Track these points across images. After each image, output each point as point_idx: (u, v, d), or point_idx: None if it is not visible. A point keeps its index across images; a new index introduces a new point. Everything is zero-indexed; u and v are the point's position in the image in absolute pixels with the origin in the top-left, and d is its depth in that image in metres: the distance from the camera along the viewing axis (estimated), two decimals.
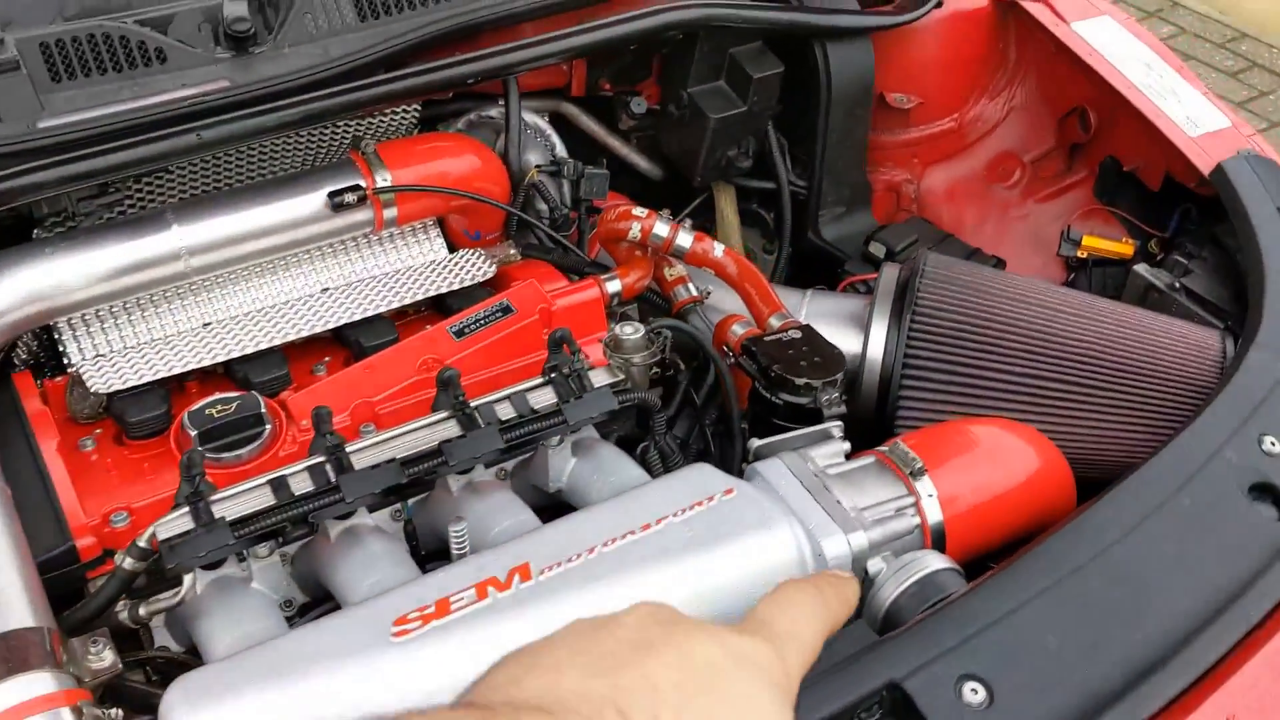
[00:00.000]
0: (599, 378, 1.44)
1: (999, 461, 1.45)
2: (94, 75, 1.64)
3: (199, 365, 1.53)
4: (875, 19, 2.03)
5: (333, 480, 1.28)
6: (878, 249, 2.04)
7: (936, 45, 2.14)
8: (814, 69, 2.01)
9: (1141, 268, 1.85)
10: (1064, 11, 2.08)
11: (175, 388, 1.57)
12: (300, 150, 1.82)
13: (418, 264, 1.76)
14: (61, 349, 1.58)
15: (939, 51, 2.15)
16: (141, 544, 1.24)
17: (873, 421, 1.66)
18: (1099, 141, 2.08)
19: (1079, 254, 2.05)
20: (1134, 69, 1.99)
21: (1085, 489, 1.46)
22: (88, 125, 1.55)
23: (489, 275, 1.72)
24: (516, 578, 1.23)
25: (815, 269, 2.13)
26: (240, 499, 1.26)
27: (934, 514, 1.37)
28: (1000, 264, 2.04)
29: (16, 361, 1.62)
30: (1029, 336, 1.61)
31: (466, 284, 1.70)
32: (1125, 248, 2.03)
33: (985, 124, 2.21)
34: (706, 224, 2.26)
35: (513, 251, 1.80)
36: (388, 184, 1.68)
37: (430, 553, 1.41)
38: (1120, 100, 1.95)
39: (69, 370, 1.55)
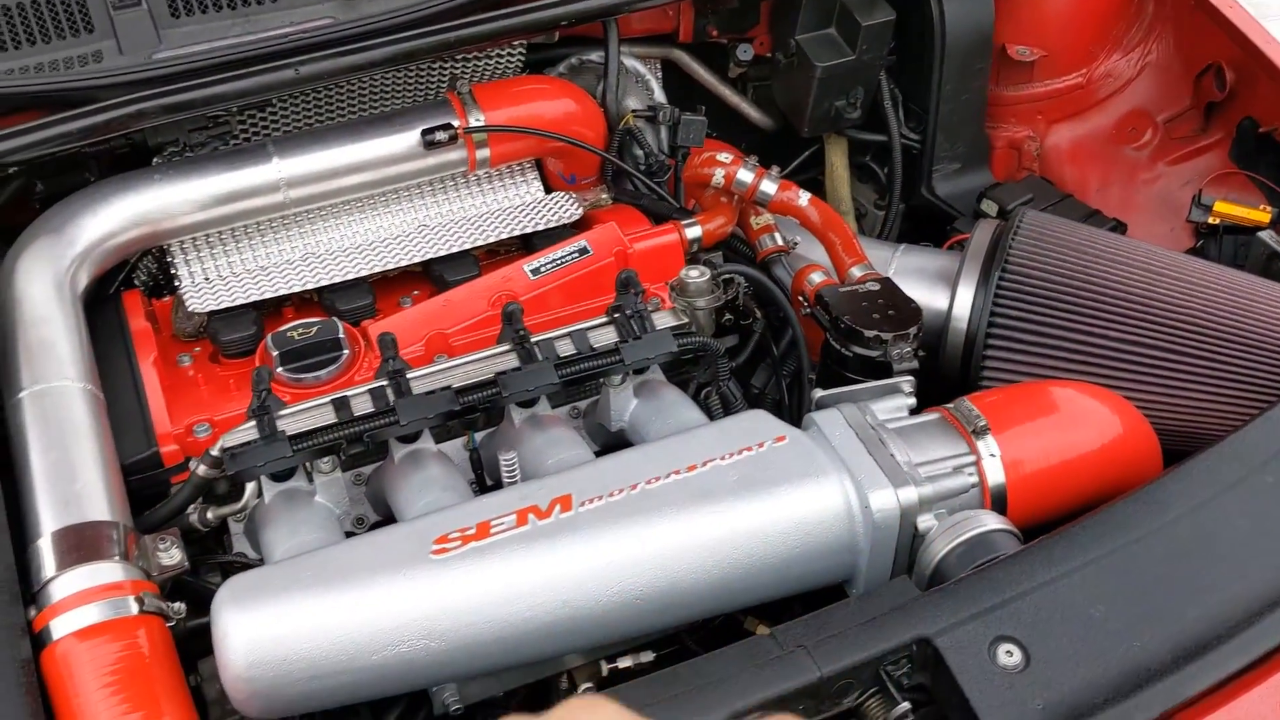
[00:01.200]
0: (663, 320, 1.44)
1: (1074, 425, 1.39)
2: (210, 11, 1.72)
3: (289, 291, 1.60)
4: None
5: (391, 403, 1.32)
6: (990, 206, 1.97)
7: None
8: (928, 17, 1.95)
9: (1266, 234, 1.73)
10: None
11: (272, 312, 1.65)
12: (401, 90, 1.86)
13: (510, 205, 1.78)
14: (173, 271, 1.67)
15: (1068, 2, 2.05)
16: (214, 453, 1.32)
17: (956, 380, 1.61)
18: (1237, 101, 1.95)
19: (1210, 220, 1.93)
20: (1276, 25, 1.85)
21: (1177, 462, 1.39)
22: (196, 58, 1.62)
23: (575, 218, 1.73)
24: (558, 508, 1.25)
25: (928, 226, 2.07)
26: (303, 415, 1.32)
27: (995, 474, 1.32)
28: (1121, 228, 1.94)
29: (137, 282, 1.72)
30: (1126, 300, 1.53)
31: (552, 225, 1.72)
32: (1261, 215, 1.90)
33: (1116, 81, 2.09)
34: (818, 177, 2.22)
35: (604, 196, 1.82)
36: (480, 124, 1.71)
37: (496, 483, 1.44)
38: (1260, 57, 1.83)
39: (177, 291, 1.64)
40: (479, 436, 1.47)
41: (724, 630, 1.40)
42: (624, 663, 1.33)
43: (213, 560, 1.40)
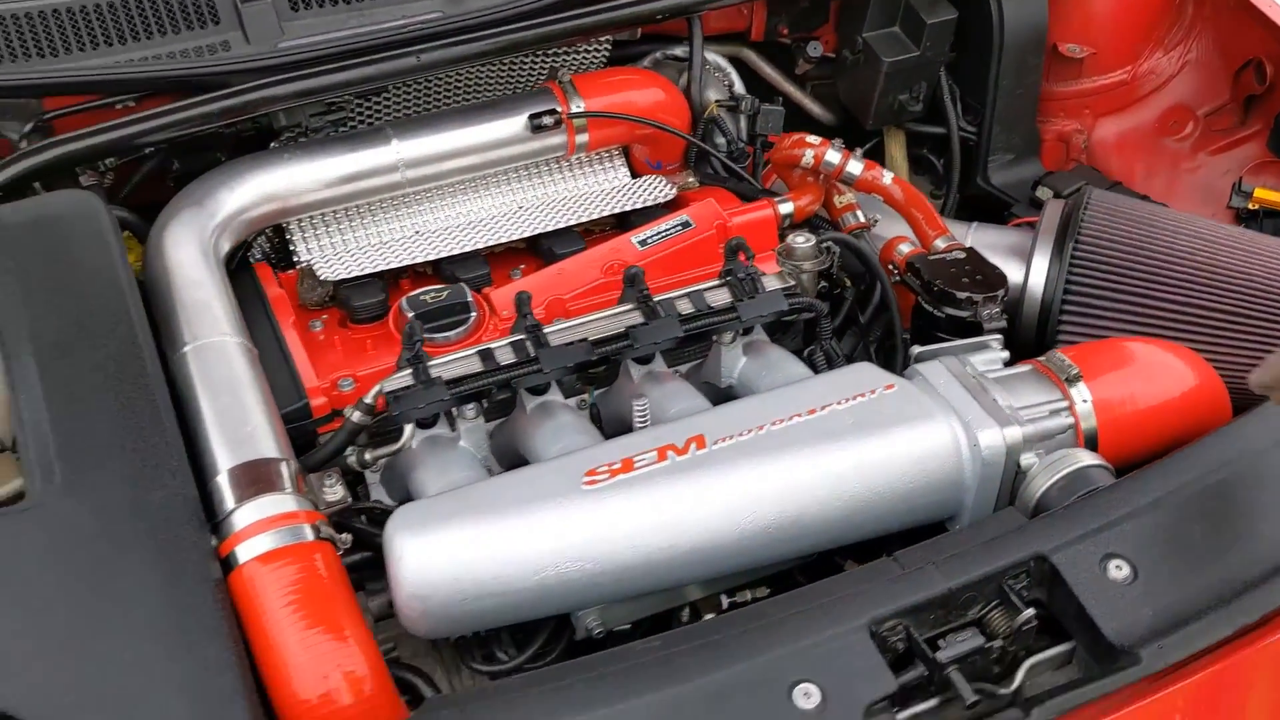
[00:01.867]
0: (771, 283, 1.56)
1: (1155, 376, 1.51)
2: (326, 6, 1.84)
3: (413, 262, 1.71)
4: None
5: (532, 353, 1.43)
6: (1045, 193, 2.09)
7: None
8: (988, 16, 2.08)
9: None
10: None
11: (391, 284, 1.75)
12: (502, 80, 1.99)
13: (604, 188, 1.90)
14: (291, 247, 1.78)
15: (1114, 4, 2.19)
16: (368, 400, 1.43)
17: (1032, 347, 1.73)
18: (1276, 94, 2.08)
19: (1250, 205, 2.07)
20: None
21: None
22: (321, 46, 1.74)
23: (670, 197, 1.85)
24: (693, 445, 1.36)
25: (982, 215, 2.18)
26: (453, 365, 1.43)
27: (1087, 419, 1.44)
28: None
29: (251, 258, 1.83)
30: (1190, 267, 1.65)
31: (649, 205, 1.83)
32: None
33: (1158, 77, 2.23)
34: None
35: (691, 179, 1.94)
36: (581, 110, 1.83)
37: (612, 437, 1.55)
38: None
39: (298, 265, 1.75)
40: (597, 394, 1.58)
41: (826, 570, 1.51)
42: (742, 597, 1.45)
43: (353, 507, 1.50)
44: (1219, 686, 1.17)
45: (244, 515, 1.29)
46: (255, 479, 1.32)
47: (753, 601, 1.42)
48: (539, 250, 1.81)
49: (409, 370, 1.41)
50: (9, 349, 1.35)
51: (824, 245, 1.62)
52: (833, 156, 1.78)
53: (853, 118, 2.22)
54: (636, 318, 1.50)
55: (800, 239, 1.60)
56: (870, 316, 1.75)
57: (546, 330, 1.47)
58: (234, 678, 1.13)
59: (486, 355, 1.43)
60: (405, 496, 1.46)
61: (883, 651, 1.16)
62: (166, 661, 1.14)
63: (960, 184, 2.22)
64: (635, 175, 1.96)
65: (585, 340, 1.45)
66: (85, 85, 1.69)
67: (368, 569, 1.44)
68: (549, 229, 1.79)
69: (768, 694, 1.11)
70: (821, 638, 1.16)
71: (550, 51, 1.98)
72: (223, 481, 1.32)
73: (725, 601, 1.43)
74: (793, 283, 1.56)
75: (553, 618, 1.39)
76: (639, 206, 1.84)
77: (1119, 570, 1.23)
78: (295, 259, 1.78)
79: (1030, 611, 1.20)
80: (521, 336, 1.46)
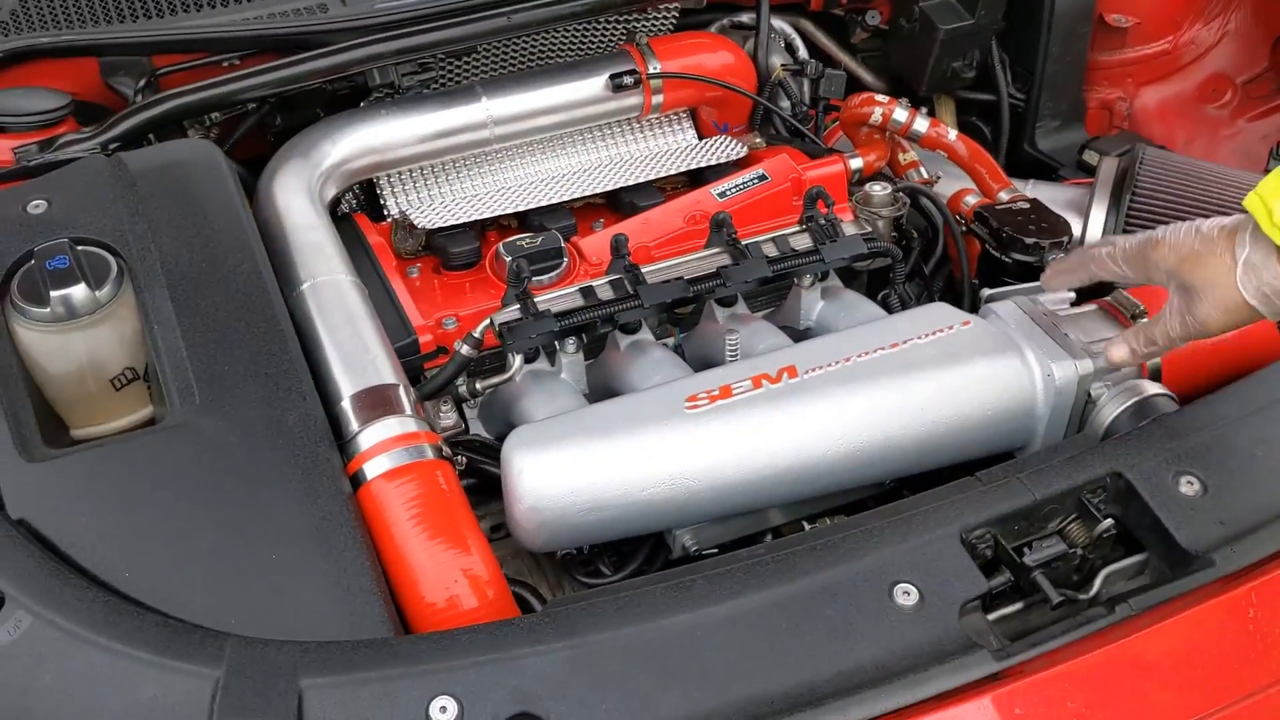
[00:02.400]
0: (849, 229, 1.65)
1: None
2: None
3: (501, 213, 1.80)
4: None
5: (631, 291, 1.52)
6: (1092, 156, 2.18)
7: None
8: None
9: None
10: None
11: (478, 234, 1.85)
12: (580, 43, 2.08)
13: (676, 147, 2.00)
14: (381, 201, 1.88)
15: None
16: (476, 335, 1.52)
17: (1090, 297, 1.82)
18: None
19: None
20: None
21: None
22: (415, 7, 1.84)
23: (741, 155, 1.95)
24: (785, 375, 1.45)
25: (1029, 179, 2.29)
26: (558, 301, 1.52)
27: None
28: None
29: (340, 211, 1.92)
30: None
31: (722, 161, 1.93)
32: None
33: (1199, 47, 2.32)
34: None
35: (758, 140, 2.03)
36: (658, 71, 1.92)
37: None
38: None
39: (389, 217, 1.84)
40: (681, 336, 1.68)
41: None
42: (821, 524, 1.54)
43: (456, 438, 1.60)
44: None
45: (369, 436, 1.37)
46: (378, 403, 1.41)
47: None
48: (619, 205, 1.90)
49: (516, 306, 1.50)
50: (142, 282, 1.44)
51: (897, 194, 1.71)
52: (900, 114, 1.87)
53: (903, 86, 2.30)
54: (725, 259, 1.59)
55: (877, 187, 1.69)
56: (934, 268, 1.84)
57: (645, 269, 1.56)
58: (369, 580, 1.23)
59: (588, 291, 1.53)
60: (504, 430, 1.54)
61: (973, 558, 1.25)
62: (308, 565, 1.23)
63: (1008, 149, 2.31)
64: (702, 137, 2.05)
65: (681, 278, 1.54)
66: (193, 44, 1.79)
67: (472, 495, 1.53)
68: (629, 184, 1.88)
69: (871, 591, 1.20)
70: (917, 543, 1.25)
71: (624, 18, 2.07)
72: (347, 406, 1.41)
73: (807, 527, 1.53)
74: (869, 229, 1.65)
75: (650, 538, 1.49)
76: (713, 164, 1.93)
77: (1190, 486, 1.31)
78: (385, 212, 1.87)
79: (1109, 521, 1.29)
80: (619, 276, 1.55)
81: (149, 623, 1.13)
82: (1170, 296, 1.35)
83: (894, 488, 1.56)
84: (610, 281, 1.55)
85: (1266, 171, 2.19)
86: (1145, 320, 1.53)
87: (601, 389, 1.60)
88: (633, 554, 1.48)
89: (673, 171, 1.91)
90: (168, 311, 1.41)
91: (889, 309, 1.68)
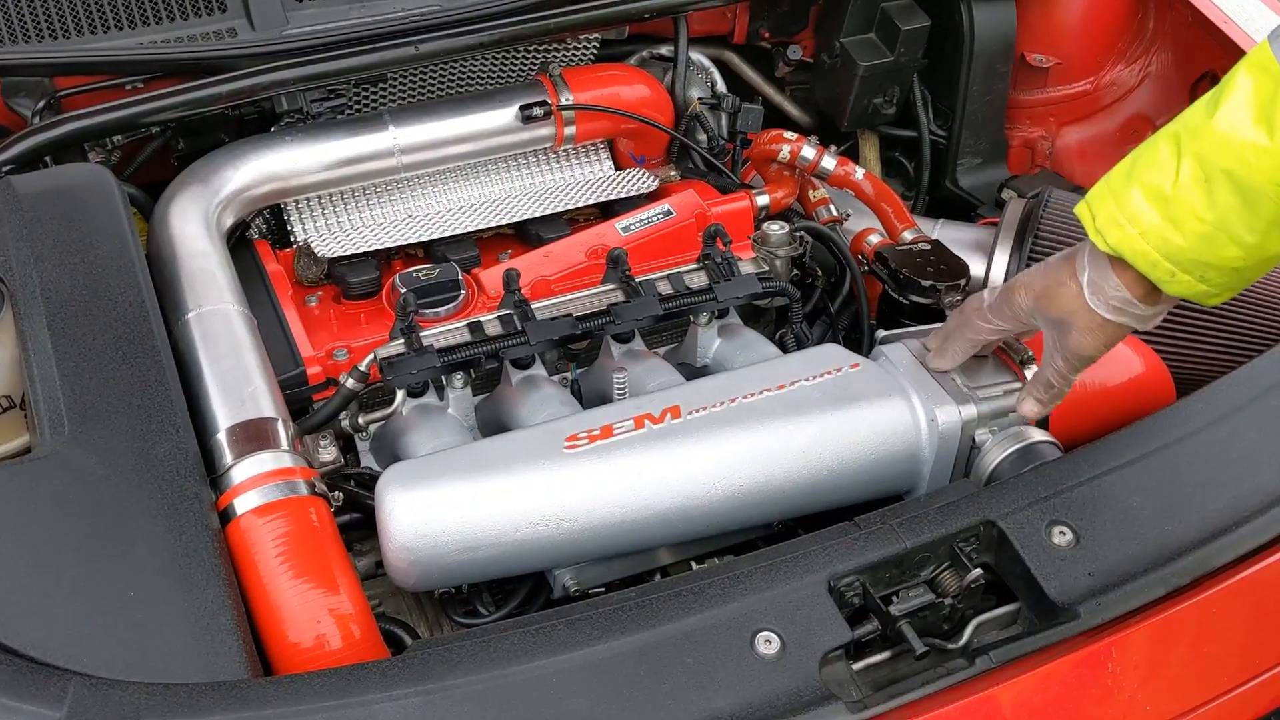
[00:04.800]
0: (746, 267, 1.65)
1: (1104, 363, 1.58)
2: None
3: (406, 243, 1.80)
4: None
5: (519, 326, 1.52)
6: (1010, 195, 2.19)
7: (1078, 11, 2.28)
8: (959, 25, 2.18)
9: None
10: None
11: (383, 263, 1.84)
12: (495, 73, 2.07)
13: (590, 179, 1.99)
14: (289, 227, 1.86)
15: (1080, 17, 2.29)
16: (362, 368, 1.51)
17: None
18: None
19: None
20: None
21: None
22: (324, 35, 1.83)
23: (652, 188, 1.94)
24: (669, 415, 1.45)
25: (950, 215, 2.28)
26: (444, 335, 1.51)
27: None
28: None
29: (249, 237, 1.90)
30: None
31: (633, 195, 1.92)
32: None
33: (1120, 89, 2.34)
34: None
35: (673, 173, 2.03)
36: (570, 102, 1.92)
37: None
38: None
39: (295, 244, 1.83)
40: (578, 372, 1.67)
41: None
42: (709, 563, 1.53)
43: (345, 472, 1.58)
44: (1150, 640, 1.26)
45: (241, 470, 1.36)
46: (253, 436, 1.40)
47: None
48: (526, 235, 1.89)
49: (402, 339, 1.49)
50: (21, 309, 1.42)
51: (797, 233, 1.71)
52: (808, 152, 1.88)
53: (829, 120, 2.31)
54: (618, 296, 1.58)
55: (774, 226, 1.69)
56: (840, 306, 1.84)
57: (535, 305, 1.56)
58: (229, 619, 1.21)
59: (475, 327, 1.52)
60: (394, 463, 1.53)
61: (840, 606, 1.24)
62: (167, 602, 1.21)
63: (930, 186, 2.32)
64: (619, 168, 2.05)
65: (569, 315, 1.54)
66: (97, 65, 1.77)
67: (356, 530, 1.52)
68: (536, 215, 1.88)
69: (733, 639, 1.19)
70: (783, 590, 1.24)
71: (542, 47, 2.07)
72: (222, 439, 1.39)
73: (694, 567, 1.52)
74: (767, 268, 1.65)
75: (531, 577, 1.48)
76: (623, 196, 1.93)
77: (1062, 536, 1.31)
78: (292, 238, 1.86)
79: (978, 571, 1.29)
80: (509, 311, 1.55)
81: None
82: (1045, 337, 1.36)
83: (786, 529, 1.55)
84: (499, 317, 1.54)
85: None
86: (1035, 367, 1.53)
87: (493, 423, 1.59)
88: (512, 594, 1.47)
89: (582, 204, 1.91)
90: (44, 339, 1.40)
91: (785, 348, 1.68)
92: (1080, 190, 2.22)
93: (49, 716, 1.07)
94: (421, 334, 1.51)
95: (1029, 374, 1.54)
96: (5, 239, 1.48)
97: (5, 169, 1.63)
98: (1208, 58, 2.20)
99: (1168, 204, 1.16)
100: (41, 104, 1.74)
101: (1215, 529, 1.33)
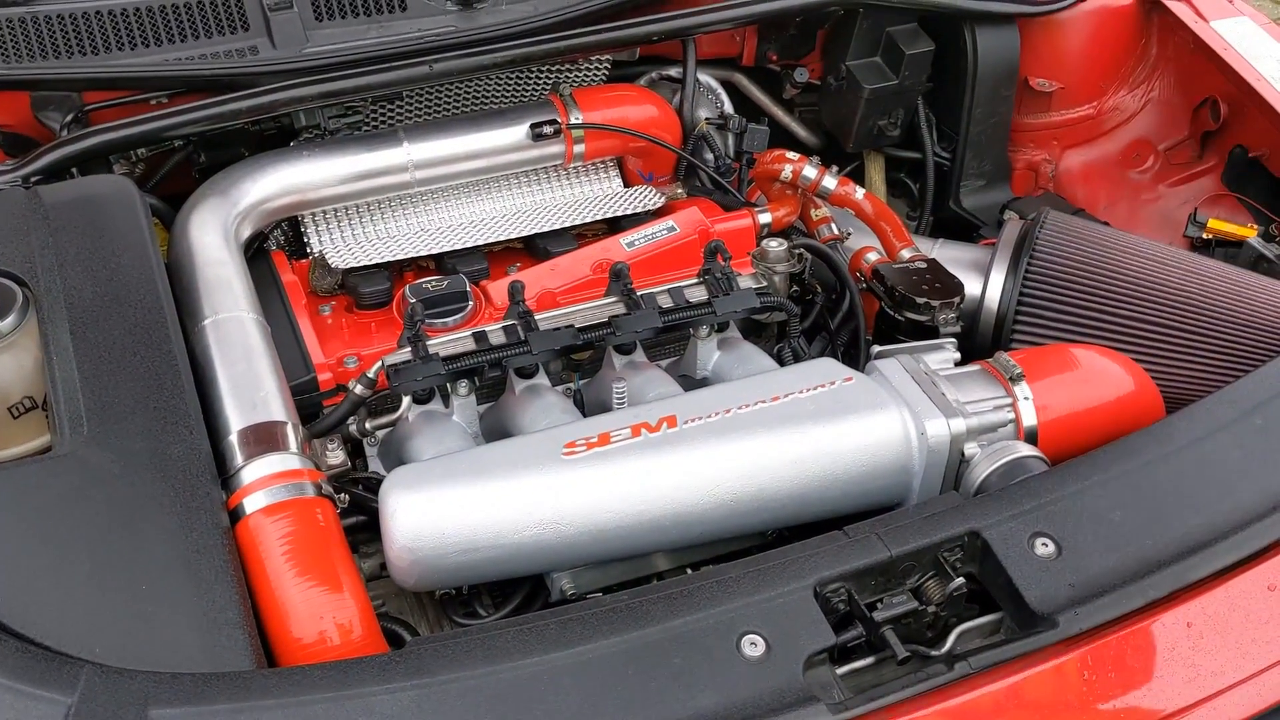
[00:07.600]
0: (745, 283, 1.69)
1: (1094, 380, 1.64)
2: (349, 17, 1.99)
3: (417, 255, 1.85)
4: (1023, 6, 2.23)
5: (522, 336, 1.57)
6: (1011, 216, 2.23)
7: (1081, 37, 2.32)
8: (963, 50, 2.22)
9: (1255, 240, 2.00)
10: (1205, 11, 2.24)
11: (395, 275, 1.89)
12: (507, 93, 2.13)
13: (598, 195, 2.05)
14: (305, 238, 1.92)
15: (1083, 43, 2.33)
16: (370, 375, 1.56)
17: (987, 355, 1.86)
18: (1229, 131, 2.22)
19: (1204, 235, 2.20)
20: (1266, 65, 2.14)
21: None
22: (342, 54, 1.89)
23: (658, 205, 1.99)
24: (665, 424, 1.49)
25: (953, 236, 2.33)
26: (449, 344, 1.56)
27: (1029, 416, 1.57)
28: None
29: (267, 248, 1.96)
30: (1136, 283, 1.79)
31: (638, 211, 1.97)
32: (1248, 231, 2.17)
33: (1122, 113, 2.38)
34: None
35: (680, 190, 2.08)
36: (579, 121, 1.97)
37: None
38: (1251, 93, 2.11)
39: (311, 255, 1.89)
40: (581, 383, 1.71)
41: None
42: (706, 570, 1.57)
43: (352, 475, 1.63)
44: (1126, 650, 1.29)
45: (251, 471, 1.41)
46: (263, 439, 1.45)
47: None
48: (534, 249, 1.94)
49: (409, 348, 1.54)
50: (45, 314, 1.48)
51: (795, 250, 1.76)
52: (810, 171, 1.93)
53: (835, 141, 2.36)
54: (620, 309, 1.63)
55: (773, 243, 1.74)
56: (839, 322, 1.88)
57: (539, 316, 1.61)
58: (237, 613, 1.26)
59: (480, 336, 1.57)
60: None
61: (826, 611, 1.28)
62: (177, 596, 1.26)
63: (934, 206, 2.36)
64: (628, 185, 2.10)
65: (572, 326, 1.58)
66: (122, 81, 1.84)
67: (362, 532, 1.57)
68: (544, 230, 1.93)
69: (719, 640, 1.23)
70: (770, 595, 1.28)
71: (554, 68, 2.12)
72: (234, 441, 1.45)
73: (690, 573, 1.55)
74: (765, 283, 1.70)
75: (529, 580, 1.52)
76: (629, 213, 1.98)
77: (1045, 547, 1.35)
78: (308, 249, 1.92)
79: (960, 580, 1.32)
80: (513, 321, 1.60)
81: (9, 648, 1.16)
82: None
83: (781, 538, 1.59)
84: (504, 326, 1.59)
85: (1185, 237, 2.26)
86: (1023, 384, 1.57)
87: (498, 430, 1.64)
88: (511, 595, 1.51)
89: (590, 219, 1.96)
90: (66, 343, 1.46)
91: (782, 362, 1.72)
92: (1081, 213, 2.26)
93: (61, 702, 1.12)
94: (428, 343, 1.56)
95: (1017, 390, 1.57)
96: (31, 246, 1.55)
97: (34, 179, 1.69)
98: (1209, 84, 2.24)
99: None
100: (69, 117, 1.81)
101: (1194, 544, 1.36)
